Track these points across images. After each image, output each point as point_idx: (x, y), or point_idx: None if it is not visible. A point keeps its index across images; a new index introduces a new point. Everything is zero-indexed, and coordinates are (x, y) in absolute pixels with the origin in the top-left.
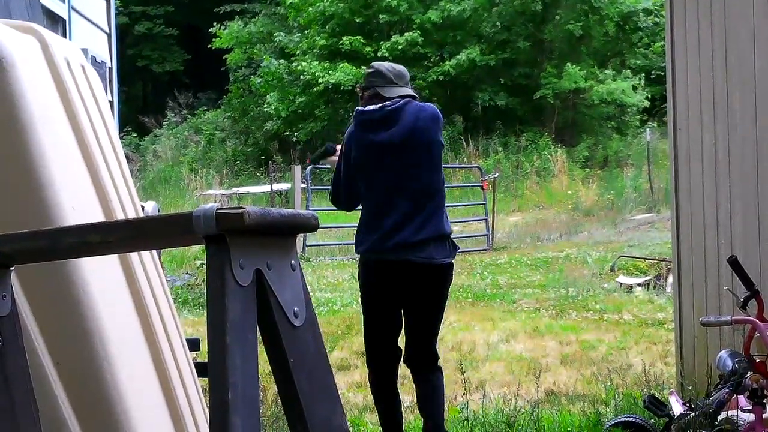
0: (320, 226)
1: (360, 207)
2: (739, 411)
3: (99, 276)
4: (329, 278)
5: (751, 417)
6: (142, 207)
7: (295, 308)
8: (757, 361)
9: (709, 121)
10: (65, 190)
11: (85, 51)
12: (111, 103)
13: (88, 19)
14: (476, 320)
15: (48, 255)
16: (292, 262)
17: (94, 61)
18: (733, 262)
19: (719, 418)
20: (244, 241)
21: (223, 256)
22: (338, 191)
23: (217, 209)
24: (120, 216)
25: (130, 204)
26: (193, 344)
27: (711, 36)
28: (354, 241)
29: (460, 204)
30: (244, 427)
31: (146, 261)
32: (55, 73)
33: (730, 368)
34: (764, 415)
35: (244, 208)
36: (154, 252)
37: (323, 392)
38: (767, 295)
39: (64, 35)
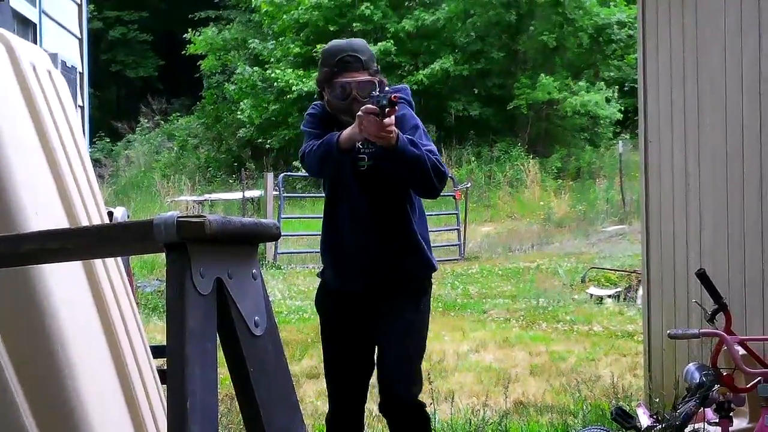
0: (292, 234)
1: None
2: (705, 424)
3: (61, 281)
4: (300, 286)
5: (718, 430)
6: (111, 213)
7: (256, 318)
8: (725, 374)
9: (680, 134)
10: (28, 195)
11: (55, 56)
12: (81, 108)
13: (60, 24)
14: (446, 330)
15: (7, 261)
16: (254, 271)
17: (64, 66)
18: (702, 275)
19: (686, 430)
20: (205, 250)
21: (183, 264)
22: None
23: (178, 217)
24: (84, 222)
25: (95, 210)
26: (159, 351)
27: (683, 49)
28: None
29: (432, 213)
30: None
31: (110, 266)
32: (20, 78)
33: (698, 381)
34: (731, 429)
35: (205, 217)
36: (119, 257)
37: (283, 402)
38: (735, 308)
39: (35, 40)
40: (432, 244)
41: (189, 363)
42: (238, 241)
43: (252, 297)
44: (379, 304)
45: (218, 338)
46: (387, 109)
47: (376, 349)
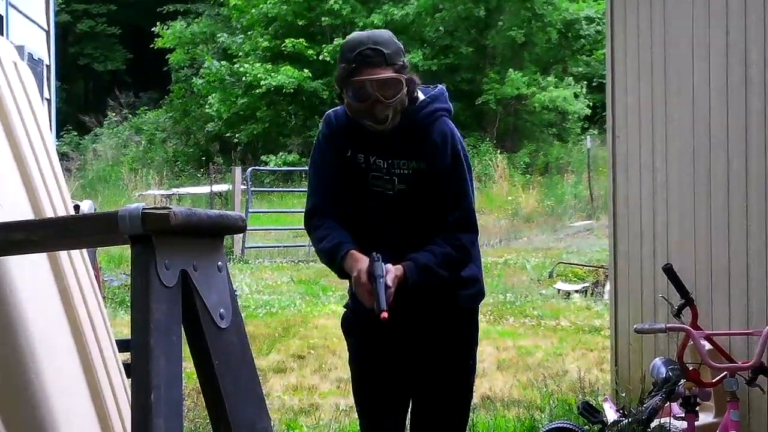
0: (260, 228)
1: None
2: (671, 418)
3: (26, 274)
4: (268, 280)
5: (684, 424)
6: (78, 206)
7: (221, 310)
8: (691, 369)
9: (648, 130)
10: None
11: (21, 48)
12: (48, 101)
13: (27, 16)
14: None
15: None
16: (219, 263)
17: (31, 59)
18: (668, 270)
19: (652, 425)
20: (170, 242)
21: (148, 256)
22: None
23: (143, 209)
24: (50, 215)
25: (61, 203)
26: (125, 345)
27: (651, 45)
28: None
29: None
30: (167, 429)
31: (75, 259)
32: None
33: (664, 376)
34: (696, 423)
35: (170, 209)
36: (84, 250)
37: (248, 394)
38: (701, 303)
39: (1, 31)
40: None
41: (154, 356)
42: (204, 234)
43: (217, 289)
44: (417, 342)
45: (183, 331)
46: (380, 290)
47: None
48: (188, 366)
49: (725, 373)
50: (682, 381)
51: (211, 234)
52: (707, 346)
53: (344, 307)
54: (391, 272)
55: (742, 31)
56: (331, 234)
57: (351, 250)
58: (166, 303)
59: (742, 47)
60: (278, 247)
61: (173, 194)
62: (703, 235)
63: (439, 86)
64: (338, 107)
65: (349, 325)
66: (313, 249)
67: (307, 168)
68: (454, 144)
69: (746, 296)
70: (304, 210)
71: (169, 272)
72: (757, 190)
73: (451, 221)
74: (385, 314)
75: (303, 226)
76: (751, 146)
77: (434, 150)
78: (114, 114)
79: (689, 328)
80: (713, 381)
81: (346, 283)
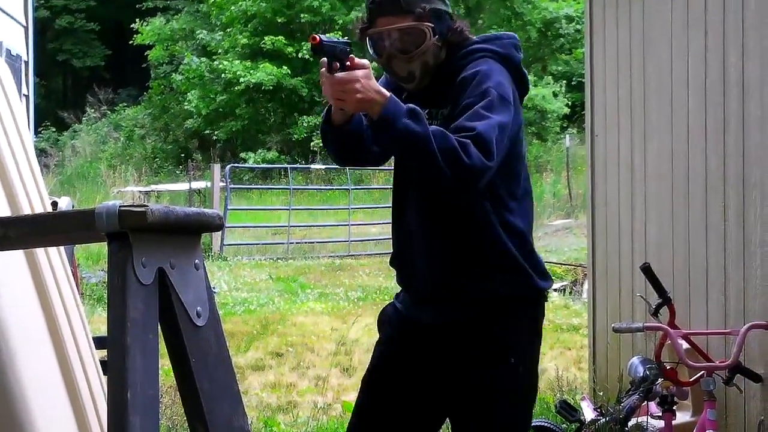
0: (238, 225)
1: (509, 206)
2: (649, 417)
3: (2, 270)
4: (246, 278)
5: (661, 423)
6: (56, 203)
7: (198, 308)
8: (668, 368)
9: (626, 129)
10: None
11: None
12: (26, 97)
13: (5, 12)
14: None
15: None
16: (196, 261)
17: (9, 55)
18: (646, 269)
19: (629, 424)
20: (148, 239)
21: (125, 254)
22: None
23: (120, 206)
24: (27, 211)
25: (38, 200)
26: (102, 342)
27: (630, 44)
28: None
29: (379, 206)
30: (143, 427)
31: (52, 255)
32: None
33: (641, 375)
34: (674, 422)
35: (147, 206)
36: (62, 247)
37: (224, 392)
38: (679, 302)
39: None
40: (380, 237)
41: (130, 353)
42: (181, 231)
43: (194, 287)
44: (450, 344)
45: (160, 329)
46: (334, 62)
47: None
48: (165, 363)
49: (702, 372)
50: (660, 380)
51: (189, 232)
52: (685, 345)
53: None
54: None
55: (721, 33)
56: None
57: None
58: (143, 301)
59: (720, 48)
60: (257, 244)
61: (152, 191)
62: (681, 234)
63: (508, 33)
64: None
65: (384, 314)
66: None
67: (286, 165)
68: (484, 80)
69: (724, 296)
70: (286, 207)
71: (145, 270)
72: (734, 189)
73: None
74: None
75: (283, 224)
76: (729, 146)
77: (460, 87)
78: (93, 110)
79: (667, 327)
80: (690, 380)
81: (324, 280)
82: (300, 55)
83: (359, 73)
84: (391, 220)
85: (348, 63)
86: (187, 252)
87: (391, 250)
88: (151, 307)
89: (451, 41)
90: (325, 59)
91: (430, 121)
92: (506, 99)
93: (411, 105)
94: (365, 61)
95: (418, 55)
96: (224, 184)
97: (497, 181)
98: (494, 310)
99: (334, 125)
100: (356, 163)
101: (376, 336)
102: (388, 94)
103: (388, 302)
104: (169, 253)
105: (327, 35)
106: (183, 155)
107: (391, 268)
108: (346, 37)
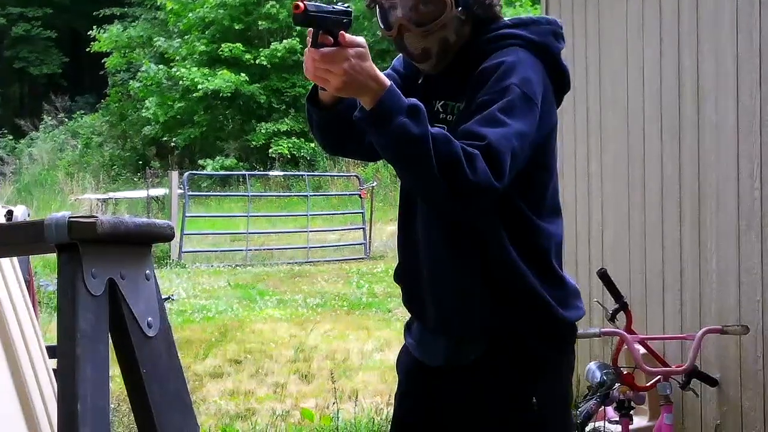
0: (197, 232)
1: (539, 224)
2: (606, 422)
3: None
4: (204, 285)
5: (619, 428)
6: (11, 212)
7: (149, 318)
8: (625, 373)
9: (583, 136)
10: None
11: None
12: None
13: None
14: (351, 329)
15: None
16: (147, 272)
17: None
18: (603, 275)
19: (587, 429)
20: (97, 250)
21: (74, 265)
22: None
23: (70, 217)
24: None
25: None
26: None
27: (585, 52)
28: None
29: (338, 212)
30: None
31: (4, 265)
32: None
33: (599, 380)
34: (631, 427)
35: (97, 217)
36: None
37: (176, 402)
38: (636, 307)
39: None
40: (337, 243)
41: (80, 365)
42: (132, 242)
43: (145, 298)
44: (466, 392)
45: (111, 339)
46: (319, 33)
47: None
48: (117, 373)
49: (659, 377)
50: (617, 385)
51: (139, 242)
52: (641, 350)
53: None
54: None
55: (675, 40)
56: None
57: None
58: (93, 312)
59: (675, 54)
60: (216, 251)
61: (109, 198)
62: (637, 240)
63: (548, 18)
64: None
65: (400, 355)
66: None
67: (245, 172)
68: (509, 74)
69: (680, 301)
70: (244, 213)
71: (95, 281)
72: (690, 195)
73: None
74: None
75: (241, 231)
76: (684, 152)
77: (479, 80)
78: (50, 118)
79: (623, 332)
80: (647, 385)
81: (283, 287)
82: (258, 62)
83: (351, 51)
84: (397, 229)
85: (339, 39)
86: (138, 263)
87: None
88: (102, 318)
89: (478, 16)
90: (311, 29)
91: (444, 116)
92: (532, 100)
93: (413, 100)
94: (360, 39)
95: (436, 28)
96: (182, 191)
97: (515, 195)
98: (512, 347)
99: (320, 106)
100: (346, 153)
101: (336, 342)
102: (387, 82)
103: (347, 310)
104: (120, 264)
105: (315, 2)
106: (141, 162)
107: (395, 284)
108: (348, 5)
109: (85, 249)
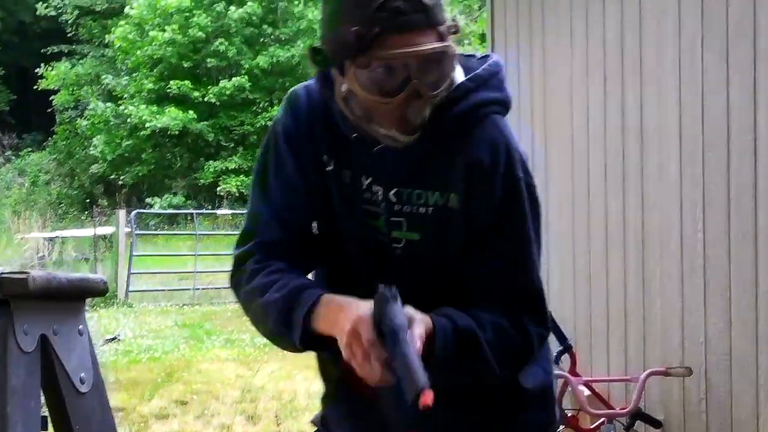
0: (144, 271)
1: None
2: None
3: None
4: (151, 324)
5: None
6: None
7: (82, 374)
8: (569, 415)
9: None
10: None
11: None
12: None
13: None
14: (298, 369)
15: None
16: (80, 327)
17: None
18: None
19: None
20: (29, 306)
21: (5, 321)
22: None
23: (1, 274)
24: None
25: None
26: None
27: (531, 92)
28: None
29: None
30: None
31: None
32: None
33: None
34: None
35: (29, 273)
36: None
37: None
38: (581, 350)
39: None
40: None
41: (11, 422)
42: (64, 297)
43: (78, 353)
44: None
45: (43, 396)
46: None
47: None
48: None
49: (603, 419)
50: (561, 427)
51: (72, 298)
52: (586, 392)
53: (312, 422)
54: (418, 322)
55: (620, 79)
56: (282, 279)
57: (323, 294)
58: (25, 368)
59: (619, 95)
60: (163, 290)
61: (56, 237)
62: (582, 282)
63: (491, 56)
64: (308, 81)
65: None
66: (239, 305)
67: (193, 211)
68: (510, 165)
69: (624, 343)
70: (193, 252)
71: (27, 337)
72: (634, 236)
73: (506, 298)
74: (429, 395)
75: (189, 269)
76: (629, 193)
77: (474, 173)
78: None
79: (567, 374)
80: (591, 427)
81: (231, 326)
82: (206, 99)
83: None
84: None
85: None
86: (71, 318)
87: None
88: (33, 374)
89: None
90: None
91: (407, 208)
92: (533, 188)
93: (460, 326)
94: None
95: (442, 92)
96: (130, 229)
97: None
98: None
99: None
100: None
101: (282, 382)
102: (429, 326)
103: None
104: (52, 319)
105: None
106: (88, 201)
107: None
108: None
109: (17, 305)
